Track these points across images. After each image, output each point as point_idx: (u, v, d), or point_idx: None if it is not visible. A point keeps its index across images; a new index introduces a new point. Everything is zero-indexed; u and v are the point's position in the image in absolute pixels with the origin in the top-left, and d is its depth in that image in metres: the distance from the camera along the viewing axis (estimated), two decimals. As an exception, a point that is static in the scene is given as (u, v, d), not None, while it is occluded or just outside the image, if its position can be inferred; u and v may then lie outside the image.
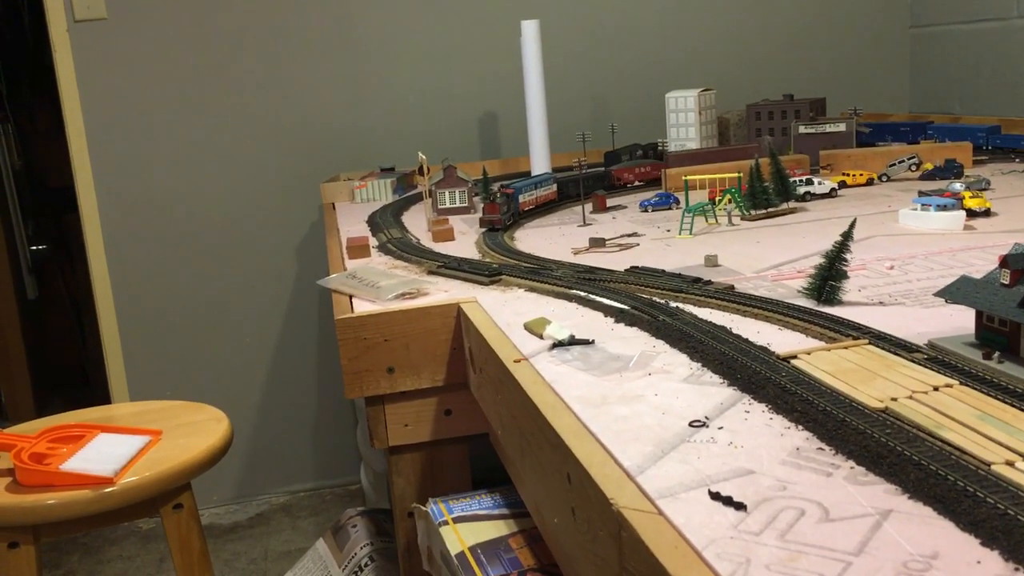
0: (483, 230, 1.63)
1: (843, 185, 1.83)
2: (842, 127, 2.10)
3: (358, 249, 1.58)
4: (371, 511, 1.75)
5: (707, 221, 1.61)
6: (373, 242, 1.68)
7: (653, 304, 1.09)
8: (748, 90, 2.68)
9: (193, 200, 2.64)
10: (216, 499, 2.81)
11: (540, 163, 2.21)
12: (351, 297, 1.30)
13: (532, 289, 1.25)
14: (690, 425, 0.75)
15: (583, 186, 1.96)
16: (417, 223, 1.86)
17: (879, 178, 1.89)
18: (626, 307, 1.09)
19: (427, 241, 1.67)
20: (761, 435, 0.71)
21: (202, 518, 2.82)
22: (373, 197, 2.23)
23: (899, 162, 1.89)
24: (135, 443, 1.34)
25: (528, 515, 1.12)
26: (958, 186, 1.61)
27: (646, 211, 1.80)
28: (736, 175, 1.67)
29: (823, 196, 1.76)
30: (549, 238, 1.62)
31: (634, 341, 0.99)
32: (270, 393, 2.80)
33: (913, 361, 0.81)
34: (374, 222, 1.89)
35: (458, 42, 2.71)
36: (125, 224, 2.62)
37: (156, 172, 2.61)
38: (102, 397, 2.72)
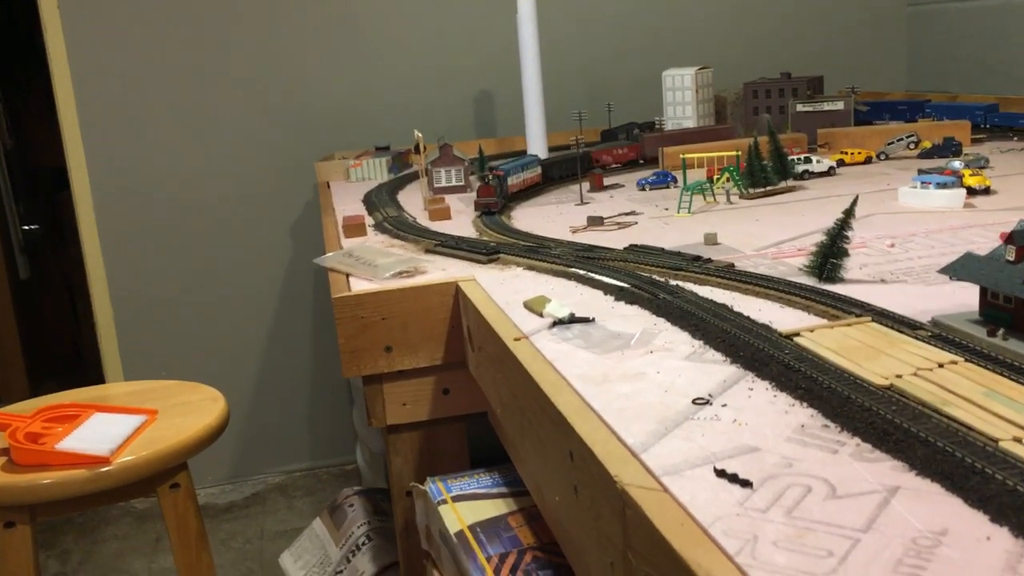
0: (477, 213, 1.61)
1: (841, 163, 1.82)
2: (840, 105, 2.09)
3: (354, 228, 1.57)
4: (368, 490, 1.75)
5: (705, 200, 1.60)
6: (369, 221, 1.66)
7: (653, 282, 1.09)
8: (744, 68, 2.66)
9: (186, 179, 2.63)
10: (211, 479, 2.80)
11: (536, 142, 2.20)
12: (348, 275, 1.29)
13: (531, 267, 1.24)
14: (693, 403, 0.74)
15: (563, 169, 1.94)
16: (413, 202, 1.85)
17: (877, 156, 1.88)
18: (626, 285, 1.09)
19: (423, 220, 1.66)
20: (765, 413, 0.71)
21: (198, 498, 2.82)
22: (368, 176, 2.22)
23: (897, 140, 1.88)
24: (131, 422, 1.33)
25: (527, 494, 1.12)
26: (957, 164, 1.60)
27: (643, 189, 1.79)
28: (735, 153, 1.66)
29: (822, 174, 1.75)
30: (547, 217, 1.61)
31: (635, 319, 0.98)
32: (266, 373, 2.79)
33: (917, 338, 0.81)
34: (370, 201, 1.88)
35: (454, 20, 2.69)
36: (118, 204, 2.60)
37: (149, 151, 2.59)
38: (96, 378, 2.71)
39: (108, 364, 2.67)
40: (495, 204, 1.56)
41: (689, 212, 1.51)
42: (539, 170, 1.87)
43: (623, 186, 1.86)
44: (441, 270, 1.28)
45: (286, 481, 2.84)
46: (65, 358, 3.84)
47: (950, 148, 1.83)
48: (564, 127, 2.38)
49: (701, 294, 1.04)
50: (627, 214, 1.55)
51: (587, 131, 2.33)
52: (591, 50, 2.77)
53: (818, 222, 1.36)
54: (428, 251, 1.39)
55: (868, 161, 1.86)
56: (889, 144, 1.88)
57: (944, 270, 0.83)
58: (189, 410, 1.40)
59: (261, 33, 2.59)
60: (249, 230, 2.69)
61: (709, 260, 1.16)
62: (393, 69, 2.68)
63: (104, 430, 1.30)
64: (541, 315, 1.02)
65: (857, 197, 1.05)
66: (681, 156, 1.72)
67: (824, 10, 2.90)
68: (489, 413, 1.25)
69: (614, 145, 2.10)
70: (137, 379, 2.64)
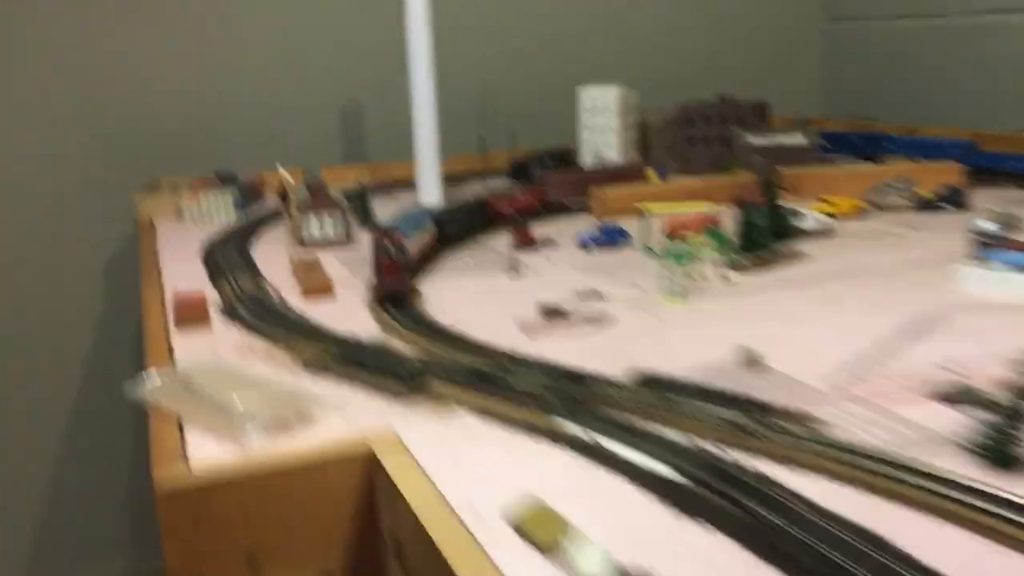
0: (379, 299, 1.10)
1: (830, 217, 1.44)
2: (801, 139, 1.72)
3: (190, 313, 1.06)
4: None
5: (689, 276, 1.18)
6: (213, 297, 1.15)
7: (715, 466, 0.65)
8: (635, 87, 2.25)
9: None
10: (-3, 591, 2.18)
11: (428, 173, 1.72)
12: (182, 424, 0.79)
13: (484, 411, 0.78)
14: None
15: (463, 224, 1.45)
16: (273, 261, 1.35)
17: (869, 207, 1.51)
18: (674, 475, 0.64)
19: (292, 293, 1.17)
20: None
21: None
22: (207, 215, 1.68)
23: (888, 187, 1.52)
24: None
25: None
26: (990, 226, 1.25)
27: (587, 249, 1.35)
28: (717, 208, 1.25)
29: (815, 234, 1.36)
30: (472, 298, 1.14)
31: (722, 568, 0.54)
32: (72, 446, 2.19)
33: None
34: (213, 259, 1.36)
35: (317, 9, 2.18)
36: None
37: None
38: None
39: None
40: (406, 288, 1.08)
41: (683, 298, 1.08)
42: (433, 228, 1.36)
43: (557, 243, 1.41)
44: (335, 409, 0.80)
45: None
46: None
47: (954, 199, 1.48)
48: (457, 149, 1.91)
49: (803, 491, 0.61)
50: (589, 295, 1.11)
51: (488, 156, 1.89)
52: (490, 57, 2.31)
53: (878, 318, 0.96)
54: (309, 365, 0.91)
55: (858, 213, 1.49)
56: (879, 192, 1.52)
57: None
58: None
59: (68, 14, 2.00)
60: (53, 271, 2.08)
61: (784, 412, 0.73)
62: (239, 69, 2.13)
63: None
64: (551, 550, 0.56)
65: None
66: (644, 210, 1.29)
67: (729, 24, 2.55)
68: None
69: (508, 193, 1.60)
70: None
